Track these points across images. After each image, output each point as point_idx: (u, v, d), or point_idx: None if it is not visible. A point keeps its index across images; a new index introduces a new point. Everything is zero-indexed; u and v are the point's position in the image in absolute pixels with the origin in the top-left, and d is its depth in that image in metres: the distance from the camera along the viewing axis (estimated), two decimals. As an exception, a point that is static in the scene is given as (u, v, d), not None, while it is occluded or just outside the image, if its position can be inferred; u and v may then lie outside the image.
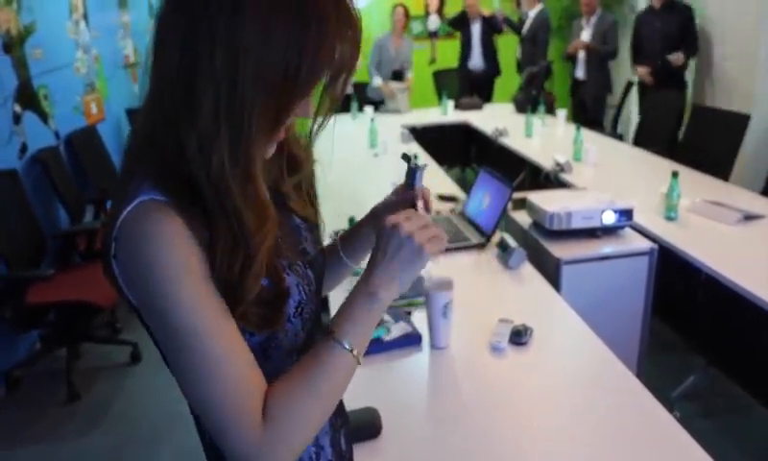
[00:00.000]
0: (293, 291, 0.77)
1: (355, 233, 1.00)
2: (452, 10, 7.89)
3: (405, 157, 0.90)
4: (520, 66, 6.02)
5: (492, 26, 6.16)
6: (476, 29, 6.20)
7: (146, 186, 0.66)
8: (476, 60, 6.27)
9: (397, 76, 5.88)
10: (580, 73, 5.60)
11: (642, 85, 5.28)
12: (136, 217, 0.65)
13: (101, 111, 4.59)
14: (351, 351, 0.71)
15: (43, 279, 2.79)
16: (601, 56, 5.42)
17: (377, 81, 5.85)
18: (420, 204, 0.87)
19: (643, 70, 5.10)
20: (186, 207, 0.66)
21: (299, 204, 0.88)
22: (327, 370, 0.70)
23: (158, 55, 0.68)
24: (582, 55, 5.54)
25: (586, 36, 5.47)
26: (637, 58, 5.18)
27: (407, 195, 0.89)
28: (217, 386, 0.66)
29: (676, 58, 4.80)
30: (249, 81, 0.64)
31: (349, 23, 0.69)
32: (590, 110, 5.56)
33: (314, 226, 0.91)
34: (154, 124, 0.69)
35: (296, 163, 0.86)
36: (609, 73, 5.59)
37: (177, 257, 0.65)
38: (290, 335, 0.78)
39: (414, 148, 4.05)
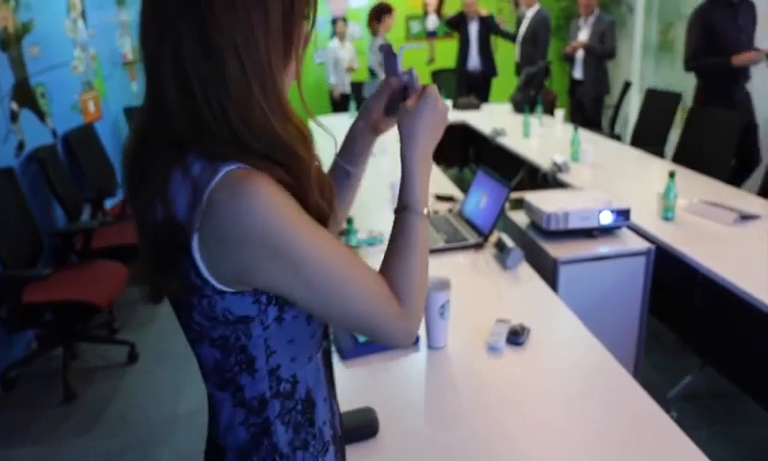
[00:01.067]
0: None
1: (351, 140, 1.02)
2: (450, 10, 7.90)
3: (381, 48, 0.97)
4: (519, 67, 6.01)
5: (489, 26, 6.17)
6: (474, 29, 6.20)
7: (220, 161, 0.70)
8: (474, 61, 6.28)
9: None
10: (578, 73, 5.60)
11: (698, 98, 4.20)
12: (234, 183, 0.68)
13: (98, 110, 4.58)
14: (425, 213, 0.85)
15: (40, 278, 2.78)
16: (599, 56, 5.41)
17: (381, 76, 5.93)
18: (409, 80, 0.93)
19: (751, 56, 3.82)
20: (265, 166, 0.71)
21: None
22: (415, 239, 0.84)
23: (167, 46, 0.70)
24: (580, 55, 5.53)
25: (583, 36, 5.47)
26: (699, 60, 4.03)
27: (392, 82, 0.96)
28: (364, 292, 0.76)
29: None
30: (258, 29, 0.70)
31: None
32: (589, 110, 5.56)
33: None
34: (184, 112, 0.70)
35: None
36: (606, 73, 5.59)
37: (286, 203, 0.71)
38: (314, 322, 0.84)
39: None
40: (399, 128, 0.88)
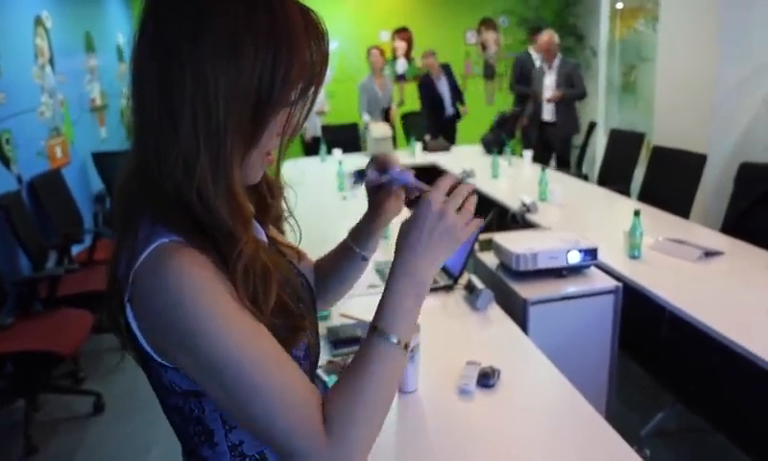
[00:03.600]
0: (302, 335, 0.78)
1: (366, 231, 0.99)
2: (418, 54, 8.09)
3: (353, 175, 0.93)
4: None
5: (451, 73, 6.33)
6: (443, 83, 6.34)
7: (159, 229, 0.67)
8: (448, 109, 6.42)
9: (387, 114, 6.25)
10: (547, 115, 5.72)
11: None
12: (159, 258, 0.65)
13: (66, 155, 4.53)
14: (399, 344, 0.71)
15: (1, 328, 2.69)
16: (569, 99, 5.55)
17: (366, 117, 6.22)
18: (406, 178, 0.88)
19: None
20: (201, 243, 0.67)
21: (282, 237, 0.93)
22: (375, 368, 0.70)
23: (139, 99, 0.69)
24: (549, 101, 5.65)
25: (549, 81, 5.61)
26: None
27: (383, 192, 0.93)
28: (277, 406, 0.65)
29: None
30: (222, 103, 0.66)
31: (318, 36, 0.71)
32: (559, 150, 5.68)
33: (300, 271, 0.92)
34: (145, 165, 0.69)
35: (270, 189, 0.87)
36: (576, 114, 5.74)
37: (209, 287, 0.65)
38: None
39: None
40: (401, 228, 0.77)
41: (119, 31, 6.52)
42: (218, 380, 0.65)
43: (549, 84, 5.61)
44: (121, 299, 0.68)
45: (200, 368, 0.66)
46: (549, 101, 5.59)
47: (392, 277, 0.74)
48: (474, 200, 0.76)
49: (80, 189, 4.62)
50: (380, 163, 0.89)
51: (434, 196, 0.74)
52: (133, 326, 0.68)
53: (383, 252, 2.72)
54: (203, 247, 0.67)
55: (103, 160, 5.02)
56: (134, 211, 0.71)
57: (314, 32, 0.71)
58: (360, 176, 0.91)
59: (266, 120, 0.69)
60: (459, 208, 0.75)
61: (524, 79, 6.01)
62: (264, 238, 0.85)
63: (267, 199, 0.85)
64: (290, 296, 0.77)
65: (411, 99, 7.72)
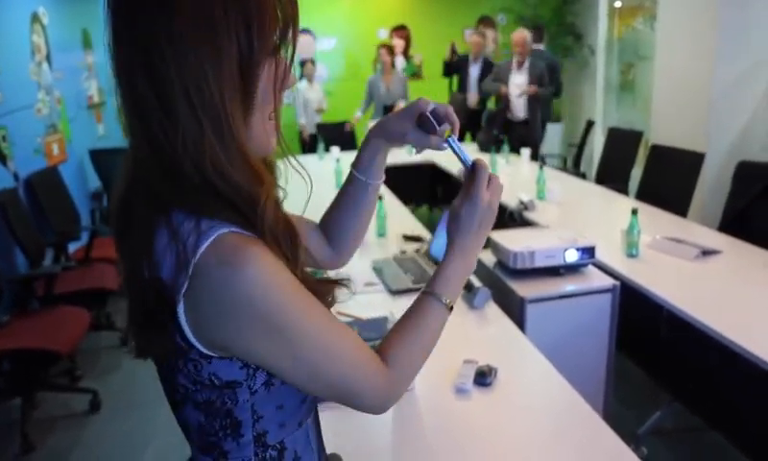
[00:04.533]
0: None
1: (368, 152, 0.99)
2: (416, 51, 8.09)
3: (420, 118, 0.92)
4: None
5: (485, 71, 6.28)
6: (475, 70, 6.30)
7: (208, 221, 0.68)
8: (470, 99, 6.37)
9: (387, 111, 6.17)
10: (520, 113, 5.65)
11: None
12: (227, 249, 0.66)
13: (63, 152, 4.52)
14: (447, 305, 0.86)
15: (-3, 326, 2.69)
16: (545, 97, 5.56)
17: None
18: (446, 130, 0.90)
19: None
20: (245, 226, 0.69)
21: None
22: (429, 322, 0.85)
23: (130, 95, 0.69)
24: (521, 96, 5.63)
25: (520, 79, 5.58)
26: None
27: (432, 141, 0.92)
28: (347, 365, 0.75)
29: None
30: (210, 73, 0.66)
31: None
32: (533, 147, 5.65)
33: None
34: (157, 158, 0.69)
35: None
36: (547, 112, 5.77)
37: (284, 276, 0.70)
38: None
39: (380, 188, 4.06)
40: (453, 213, 0.88)
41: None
42: (298, 355, 0.71)
43: (520, 83, 5.57)
44: (169, 299, 0.68)
45: (281, 348, 0.70)
46: (521, 96, 5.56)
47: (448, 256, 0.88)
48: (501, 189, 0.89)
49: (77, 187, 4.61)
50: (438, 116, 0.91)
51: (482, 192, 0.86)
52: (182, 319, 0.68)
53: (381, 249, 2.72)
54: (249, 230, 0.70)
55: (100, 158, 5.00)
56: (157, 207, 0.70)
57: None
58: (424, 125, 0.91)
59: (254, 76, 0.70)
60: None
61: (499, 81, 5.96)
62: None
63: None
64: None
65: (412, 97, 7.73)
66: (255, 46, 0.68)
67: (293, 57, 0.74)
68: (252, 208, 0.70)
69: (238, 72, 0.68)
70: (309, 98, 6.74)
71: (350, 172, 1.01)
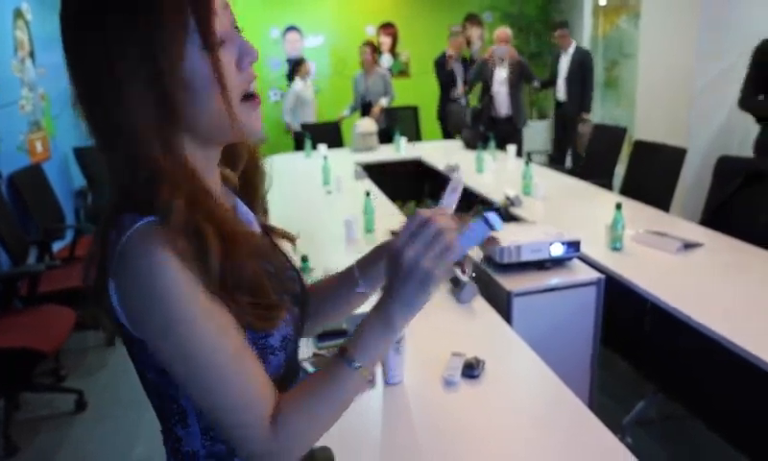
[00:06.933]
0: (281, 326, 0.78)
1: (374, 261, 0.96)
2: (403, 49, 8.10)
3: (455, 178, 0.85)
4: (560, 106, 6.20)
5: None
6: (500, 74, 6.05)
7: (141, 212, 0.68)
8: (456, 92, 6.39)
9: (366, 108, 6.31)
10: (503, 110, 5.70)
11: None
12: (141, 240, 0.67)
13: (47, 150, 4.48)
14: (360, 369, 0.74)
15: (-19, 325, 2.66)
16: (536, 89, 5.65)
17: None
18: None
19: None
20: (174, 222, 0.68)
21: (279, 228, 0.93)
22: (338, 386, 0.74)
23: (78, 90, 0.72)
24: (504, 91, 5.68)
25: (502, 75, 5.63)
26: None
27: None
28: (231, 401, 0.69)
29: None
30: (121, 87, 0.67)
31: None
32: (516, 141, 5.70)
33: (294, 266, 0.92)
34: (110, 156, 0.73)
35: (238, 157, 0.87)
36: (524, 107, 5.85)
37: (184, 282, 0.66)
38: (273, 366, 0.78)
39: (368, 185, 4.07)
40: (395, 251, 0.73)
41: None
42: (184, 369, 0.69)
43: (502, 79, 5.61)
44: (105, 278, 0.70)
45: (168, 354, 0.69)
46: (503, 61, 5.59)
47: (371, 314, 0.75)
48: (444, 239, 0.70)
49: (61, 184, 4.56)
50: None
51: (402, 249, 0.71)
52: (114, 301, 0.70)
53: (369, 245, 2.73)
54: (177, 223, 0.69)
55: (85, 155, 4.96)
56: (119, 200, 0.72)
57: None
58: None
59: (170, 84, 0.68)
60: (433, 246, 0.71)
61: (481, 80, 5.96)
62: (256, 227, 0.86)
63: (250, 176, 0.88)
64: (275, 285, 0.77)
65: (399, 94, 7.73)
66: (162, 64, 0.67)
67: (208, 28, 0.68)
68: (163, 208, 0.69)
69: (146, 85, 0.67)
70: (305, 97, 6.74)
71: (353, 271, 0.97)
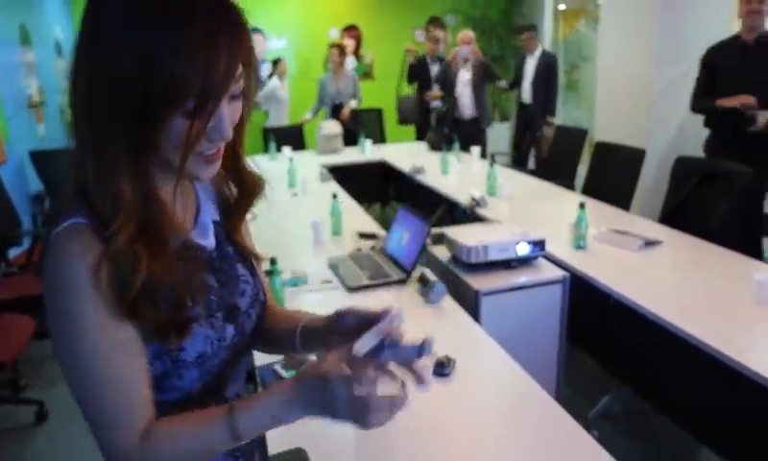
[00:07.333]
0: (197, 342, 0.78)
1: (315, 331, 0.93)
2: (367, 51, 8.10)
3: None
4: (525, 108, 6.22)
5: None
6: (435, 69, 6.32)
7: (76, 208, 0.73)
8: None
9: (336, 110, 6.30)
10: (468, 111, 5.78)
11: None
12: (61, 239, 0.71)
13: (1, 153, 4.33)
14: (234, 434, 0.73)
15: (-66, 335, 2.56)
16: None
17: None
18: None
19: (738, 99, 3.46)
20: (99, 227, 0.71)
21: (241, 234, 0.94)
22: (211, 437, 0.74)
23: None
24: (467, 92, 5.75)
25: (467, 76, 5.71)
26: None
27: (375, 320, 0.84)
28: (100, 417, 0.74)
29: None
30: (104, 110, 0.69)
31: (220, 28, 0.71)
32: (480, 142, 5.78)
33: (255, 276, 0.93)
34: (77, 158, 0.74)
35: (248, 188, 0.91)
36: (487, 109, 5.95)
37: (84, 293, 0.70)
38: (186, 380, 0.79)
39: (333, 187, 4.06)
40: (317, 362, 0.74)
41: (57, 24, 6.28)
42: (65, 371, 0.74)
43: (465, 81, 5.69)
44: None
45: (58, 345, 0.73)
46: (467, 61, 5.66)
47: (275, 391, 0.74)
48: (367, 406, 0.71)
49: (17, 189, 4.42)
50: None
51: (330, 376, 0.71)
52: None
53: (337, 247, 2.73)
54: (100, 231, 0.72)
55: (41, 159, 4.81)
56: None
57: (212, 23, 0.73)
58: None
59: (152, 130, 0.70)
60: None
61: (445, 82, 6.05)
62: (210, 240, 0.86)
63: (232, 199, 0.91)
64: (212, 300, 0.81)
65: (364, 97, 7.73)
66: (153, 109, 0.68)
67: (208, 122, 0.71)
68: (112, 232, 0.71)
69: (130, 121, 0.69)
70: (281, 96, 6.69)
71: (296, 327, 0.94)
